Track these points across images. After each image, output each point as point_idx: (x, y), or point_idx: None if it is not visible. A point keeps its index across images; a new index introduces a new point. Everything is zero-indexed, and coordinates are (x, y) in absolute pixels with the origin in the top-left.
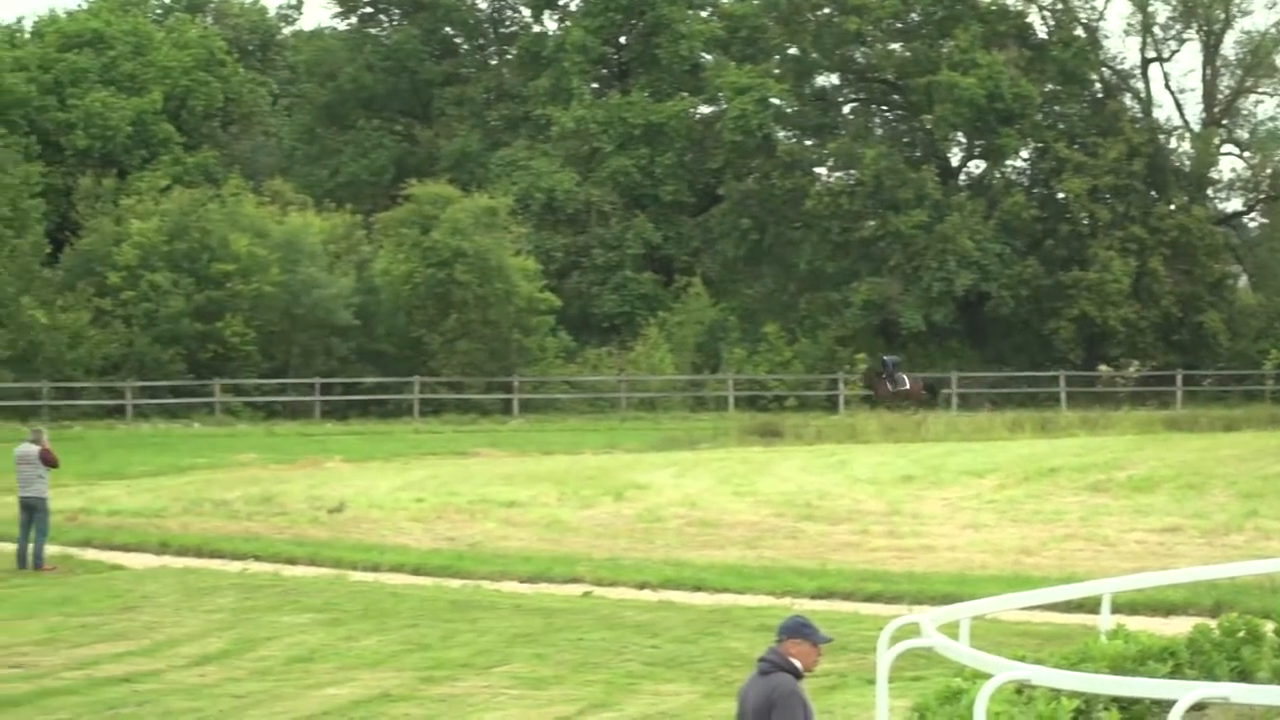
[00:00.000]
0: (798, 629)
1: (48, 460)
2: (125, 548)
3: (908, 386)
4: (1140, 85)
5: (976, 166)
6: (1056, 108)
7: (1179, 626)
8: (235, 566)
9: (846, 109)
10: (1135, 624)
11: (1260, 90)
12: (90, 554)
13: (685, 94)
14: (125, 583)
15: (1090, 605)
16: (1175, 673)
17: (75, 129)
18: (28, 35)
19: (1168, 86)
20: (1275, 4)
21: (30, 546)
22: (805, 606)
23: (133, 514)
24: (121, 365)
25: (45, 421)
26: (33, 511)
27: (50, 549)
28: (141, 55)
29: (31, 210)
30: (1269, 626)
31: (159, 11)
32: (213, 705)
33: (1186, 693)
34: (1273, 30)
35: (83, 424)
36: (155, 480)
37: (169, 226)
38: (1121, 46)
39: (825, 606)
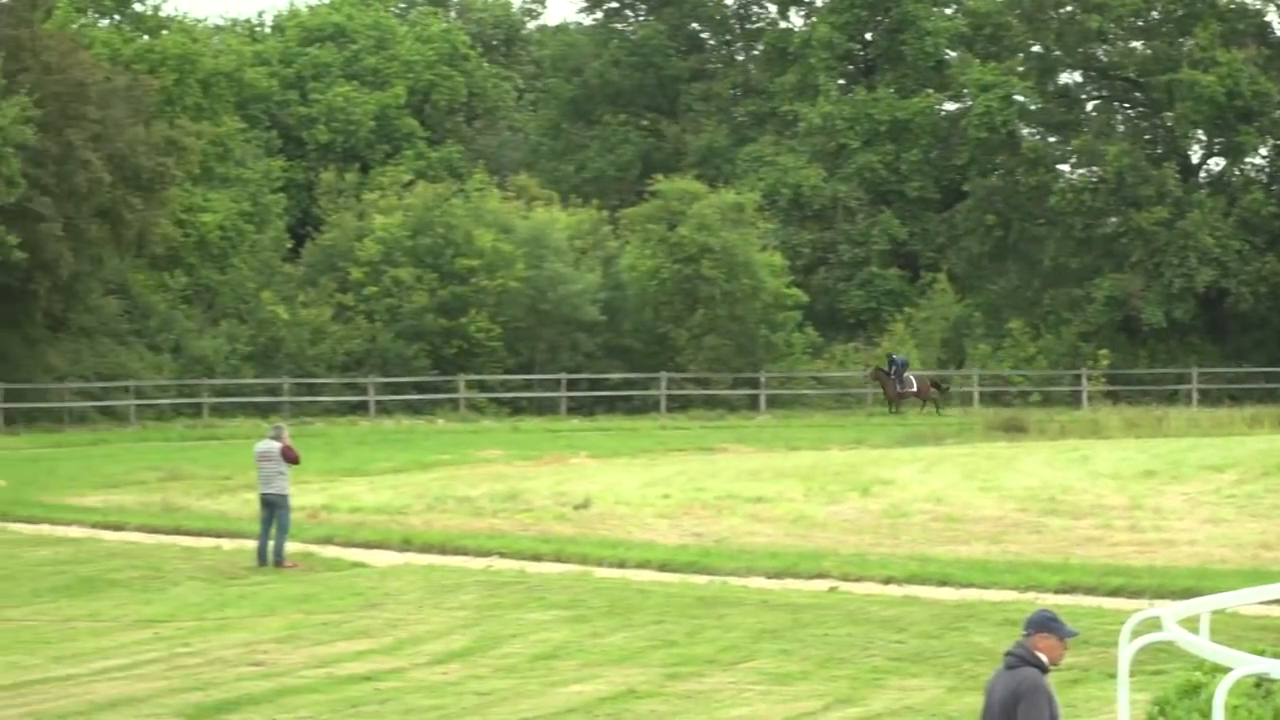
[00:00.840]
0: (1045, 623)
1: (289, 457)
2: (367, 545)
3: (915, 388)
4: None
5: (1216, 164)
6: None
7: None
8: (479, 563)
9: (1089, 106)
10: None
11: None
12: (331, 551)
13: (930, 90)
14: (367, 580)
15: None
16: None
17: (317, 123)
18: (268, 30)
19: None
20: None
21: (271, 544)
22: (1048, 601)
23: (375, 511)
24: (364, 361)
25: (286, 418)
26: (274, 508)
27: (291, 546)
28: (384, 49)
29: (273, 205)
30: None
31: (401, 5)
32: (456, 703)
33: None
34: None
35: (324, 420)
36: (398, 477)
37: (412, 221)
38: None
39: (1068, 601)
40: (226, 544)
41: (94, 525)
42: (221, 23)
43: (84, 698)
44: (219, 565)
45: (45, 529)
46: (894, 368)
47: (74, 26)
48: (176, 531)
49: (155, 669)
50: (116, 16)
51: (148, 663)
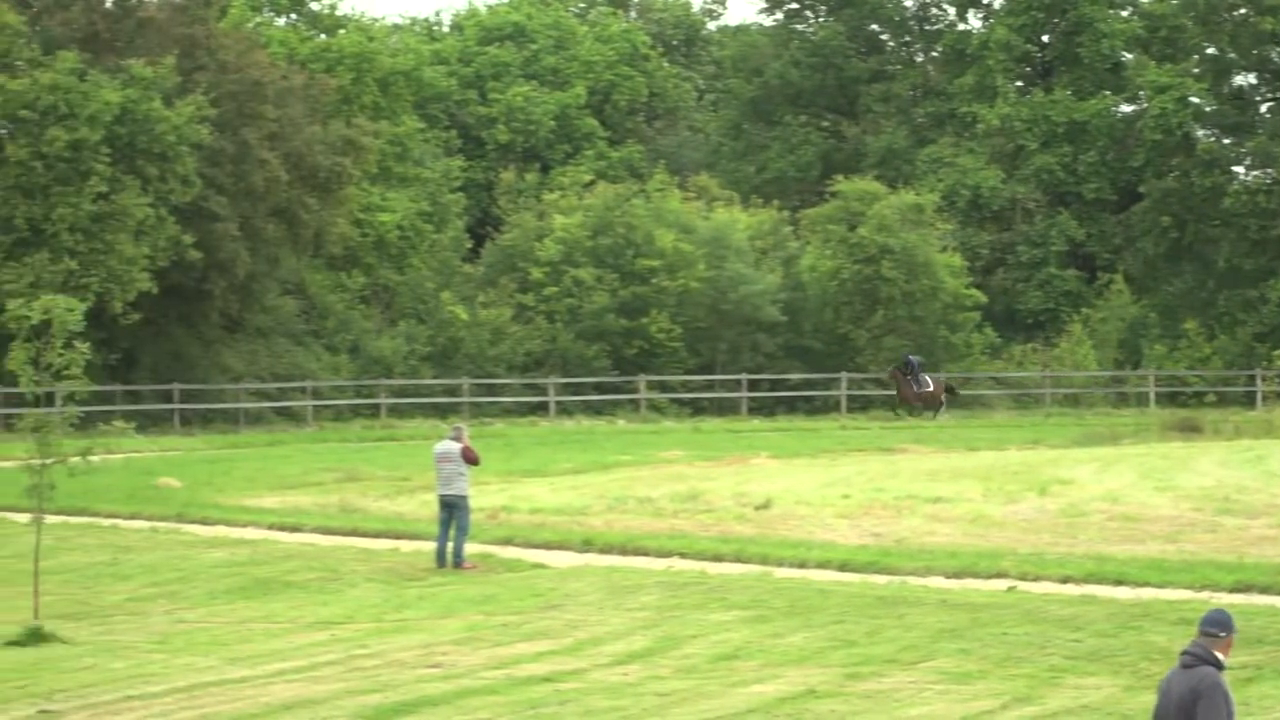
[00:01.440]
0: (1228, 623)
1: (469, 458)
2: (547, 546)
3: (930, 388)
4: None
5: None
6: None
7: None
8: (660, 564)
9: (1263, 108)
10: None
11: None
12: (511, 552)
13: (1107, 92)
14: (547, 581)
15: None
16: None
17: (496, 123)
18: (446, 29)
19: None
20: None
21: (450, 545)
22: (1223, 600)
23: (555, 511)
24: (544, 362)
25: (466, 418)
26: (453, 509)
27: (470, 547)
28: (564, 49)
29: (452, 205)
30: None
31: (581, 5)
32: (636, 704)
33: None
34: None
35: (504, 421)
36: (578, 478)
37: (593, 222)
38: None
39: (1242, 600)
40: (405, 545)
41: (270, 527)
42: (399, 22)
43: (259, 700)
44: (397, 567)
45: (221, 530)
46: (910, 368)
47: (249, 25)
48: (354, 533)
49: (332, 671)
50: (293, 15)
51: (324, 664)
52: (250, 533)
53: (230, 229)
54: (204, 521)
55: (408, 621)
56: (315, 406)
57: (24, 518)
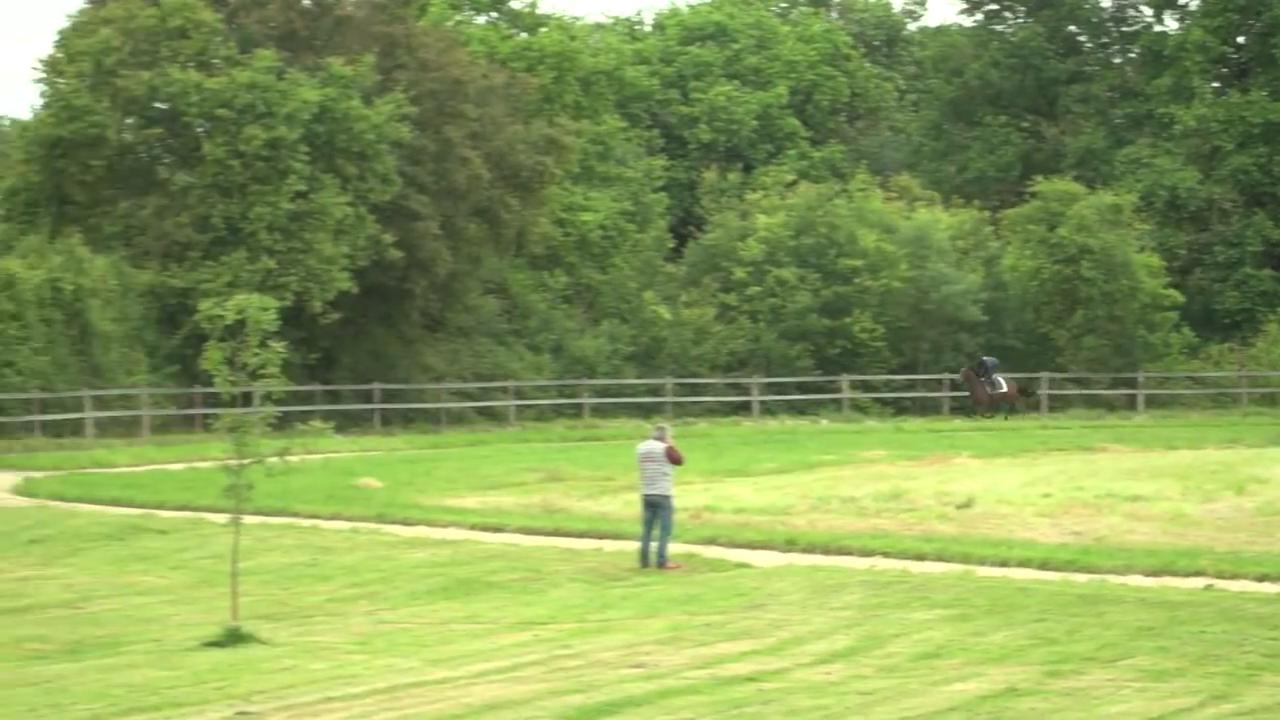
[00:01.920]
0: None
1: (673, 458)
2: (751, 545)
3: (1004, 389)
4: None
5: None
6: None
7: None
8: (863, 563)
9: None
10: None
11: None
12: (715, 552)
13: None
14: (751, 580)
15: None
16: None
17: (699, 123)
18: (648, 29)
19: None
20: None
21: (653, 545)
22: None
23: (758, 511)
24: (747, 361)
25: (669, 418)
26: (657, 509)
27: (674, 547)
28: (765, 49)
29: (654, 204)
30: None
31: (782, 5)
32: (839, 703)
33: None
34: None
35: (707, 421)
36: (782, 477)
37: (795, 221)
38: None
39: None
40: (608, 545)
41: (472, 527)
42: (601, 21)
43: (460, 700)
44: (600, 567)
45: (422, 531)
46: (984, 369)
47: (449, 24)
48: (556, 533)
49: (534, 671)
50: (493, 14)
51: (527, 665)
52: (452, 533)
53: (431, 228)
54: (405, 522)
55: (611, 621)
56: (517, 406)
57: (222, 518)
